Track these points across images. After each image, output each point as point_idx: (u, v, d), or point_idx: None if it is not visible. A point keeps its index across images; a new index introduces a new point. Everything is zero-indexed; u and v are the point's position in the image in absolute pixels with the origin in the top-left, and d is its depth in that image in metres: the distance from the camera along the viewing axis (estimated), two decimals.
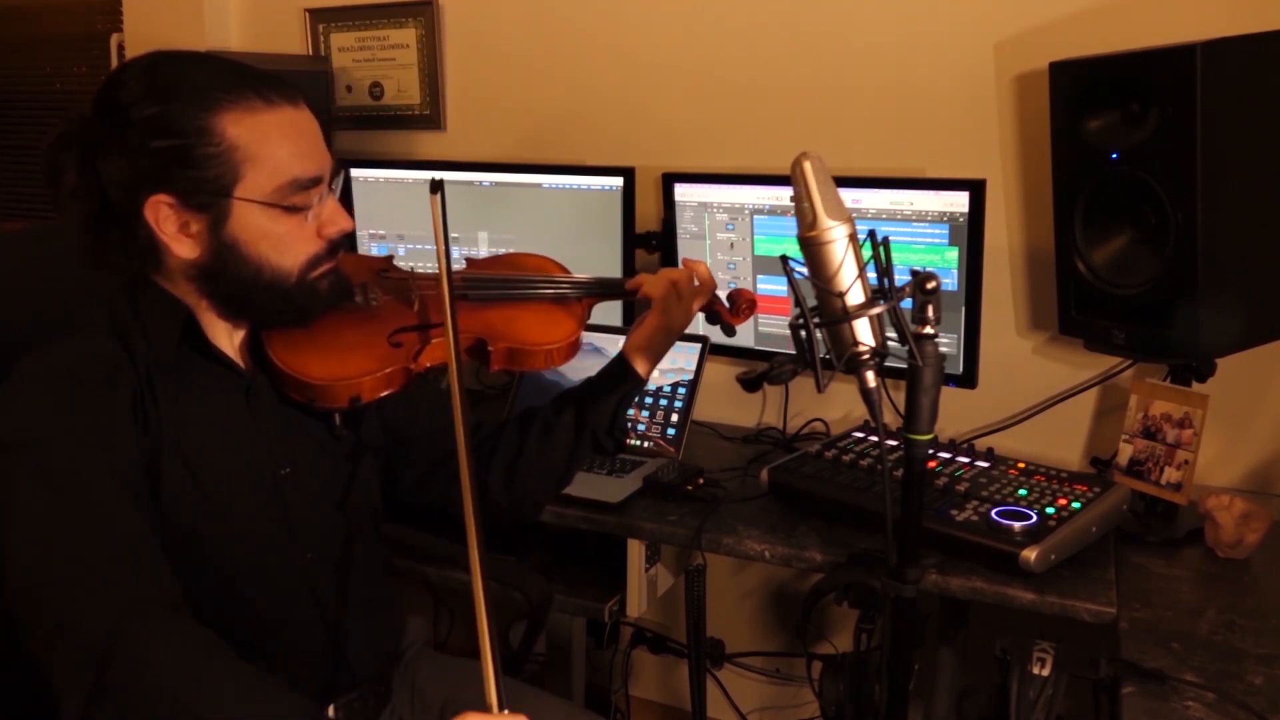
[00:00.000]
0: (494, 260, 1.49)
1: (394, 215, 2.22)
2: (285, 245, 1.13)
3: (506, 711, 0.96)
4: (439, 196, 1.25)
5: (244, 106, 1.09)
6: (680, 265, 1.42)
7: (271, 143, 1.10)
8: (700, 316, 1.43)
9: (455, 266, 1.38)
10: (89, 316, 1.14)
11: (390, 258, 1.43)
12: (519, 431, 1.40)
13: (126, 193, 1.08)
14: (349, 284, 1.23)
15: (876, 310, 1.07)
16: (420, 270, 1.37)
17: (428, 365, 1.26)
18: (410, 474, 1.40)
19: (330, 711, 1.26)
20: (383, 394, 1.23)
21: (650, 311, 1.38)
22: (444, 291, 1.20)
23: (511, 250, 2.13)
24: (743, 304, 1.43)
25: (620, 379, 1.38)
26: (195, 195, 1.08)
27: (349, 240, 1.23)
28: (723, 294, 1.45)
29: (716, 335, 1.52)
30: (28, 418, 1.04)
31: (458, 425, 1.07)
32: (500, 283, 1.38)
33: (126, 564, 0.99)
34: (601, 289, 1.41)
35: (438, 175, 1.34)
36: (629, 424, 1.88)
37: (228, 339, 1.20)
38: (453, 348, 1.17)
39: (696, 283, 1.38)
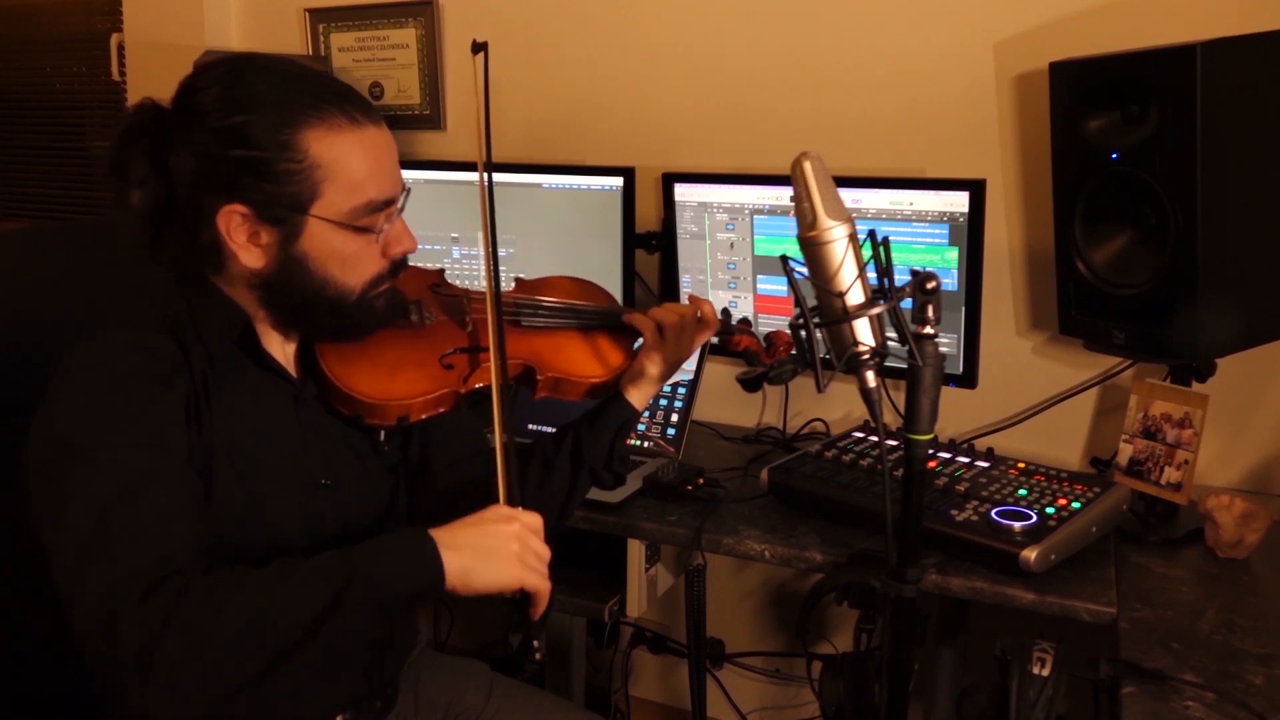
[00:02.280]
0: (544, 282, 1.46)
1: None
2: (352, 264, 1.13)
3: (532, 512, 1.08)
4: (483, 55, 1.21)
5: (328, 123, 1.08)
6: (686, 299, 1.41)
7: (353, 162, 1.09)
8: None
9: (504, 286, 1.37)
10: (137, 311, 1.13)
11: (442, 271, 1.41)
12: (520, 463, 1.38)
13: (196, 194, 1.07)
14: (405, 302, 1.23)
15: (876, 310, 1.07)
16: (474, 285, 1.35)
17: (476, 386, 1.26)
18: (426, 500, 1.37)
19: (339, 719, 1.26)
20: (431, 414, 1.23)
21: (651, 345, 1.36)
22: (489, 300, 1.20)
23: (514, 252, 2.13)
24: (780, 346, 1.41)
25: (616, 412, 1.36)
26: (270, 209, 1.07)
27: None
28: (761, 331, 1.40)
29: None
30: (86, 417, 1.02)
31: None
32: (551, 311, 1.37)
33: (175, 558, 0.98)
34: (620, 323, 1.39)
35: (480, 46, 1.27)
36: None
37: (280, 347, 1.19)
38: (495, 370, 1.18)
39: (699, 317, 1.37)
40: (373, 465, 1.27)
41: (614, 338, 1.38)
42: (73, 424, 1.02)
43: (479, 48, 1.22)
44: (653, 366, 1.35)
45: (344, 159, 1.08)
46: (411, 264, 1.25)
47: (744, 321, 1.46)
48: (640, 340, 1.37)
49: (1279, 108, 1.47)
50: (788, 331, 1.42)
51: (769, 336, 1.44)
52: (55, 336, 1.11)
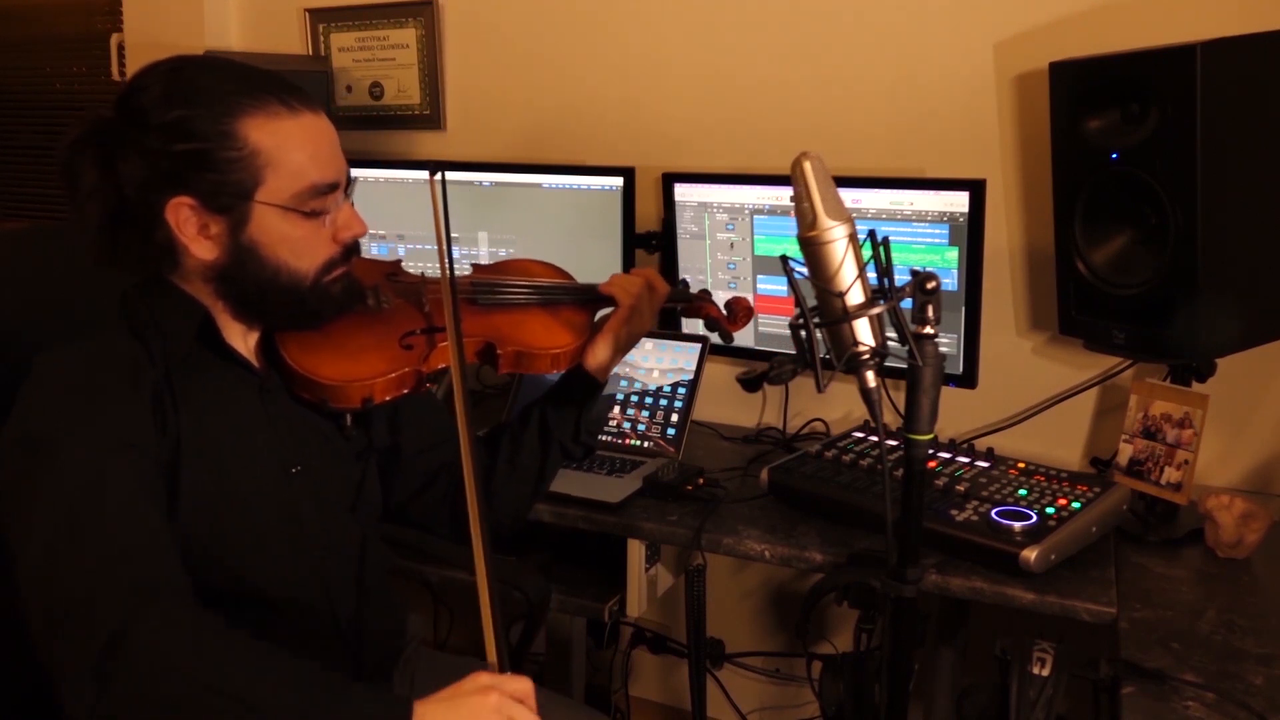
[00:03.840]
0: (498, 266, 1.51)
1: (394, 215, 2.22)
2: (302, 249, 1.15)
3: (509, 674, 1.02)
4: (440, 180, 1.26)
5: (267, 112, 1.10)
6: (633, 271, 1.43)
7: (292, 148, 1.11)
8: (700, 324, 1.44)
9: (461, 272, 1.40)
10: (103, 316, 1.15)
11: (399, 261, 1.44)
12: (489, 450, 1.41)
13: (146, 194, 1.09)
14: (361, 287, 1.25)
15: (876, 310, 1.07)
16: (429, 274, 1.38)
17: (438, 366, 1.28)
18: (398, 488, 1.39)
19: None
20: (394, 395, 1.24)
21: (611, 317, 1.38)
22: (445, 285, 1.22)
23: (513, 251, 2.14)
24: (740, 311, 1.45)
25: (579, 384, 1.38)
26: (216, 198, 1.09)
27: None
28: (721, 299, 1.46)
29: (716, 336, 1.53)
30: (52, 417, 1.05)
31: (458, 403, 1.11)
32: (505, 288, 1.40)
33: (141, 554, 0.99)
34: (584, 295, 1.42)
35: (438, 168, 1.36)
36: (633, 425, 1.89)
37: (242, 339, 1.21)
38: (455, 350, 1.19)
39: (651, 286, 1.40)
40: (342, 451, 1.29)
41: (573, 310, 1.41)
42: (38, 423, 1.05)
43: (436, 169, 1.29)
44: (613, 337, 1.37)
45: (284, 145, 1.11)
46: (370, 257, 1.27)
47: (704, 291, 1.49)
48: (601, 312, 1.39)
49: (1279, 108, 1.47)
50: (746, 298, 1.46)
51: (729, 303, 1.46)
52: (55, 337, 1.13)
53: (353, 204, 1.20)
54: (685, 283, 1.51)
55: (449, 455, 1.38)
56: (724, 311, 1.45)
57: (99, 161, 1.10)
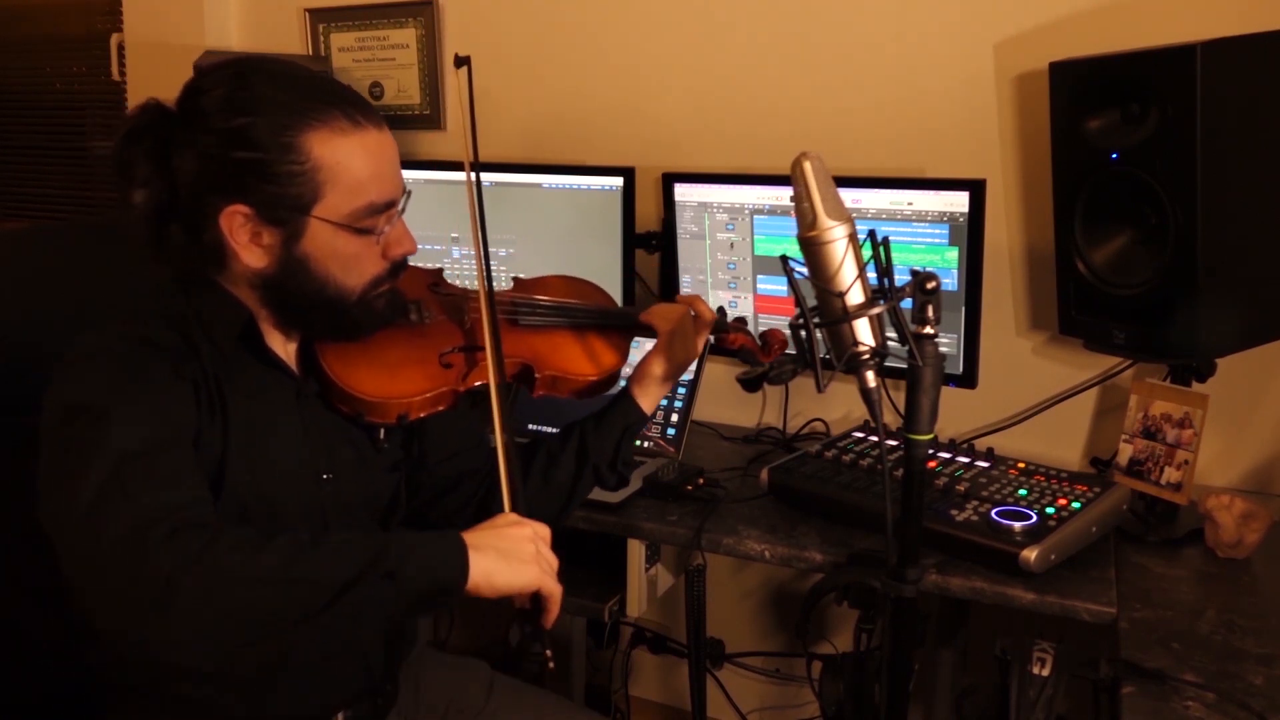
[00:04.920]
0: (541, 282, 1.48)
1: None
2: (353, 265, 1.14)
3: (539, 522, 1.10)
4: (466, 70, 1.25)
5: (331, 126, 1.09)
6: (677, 299, 1.42)
7: (354, 165, 1.10)
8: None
9: (501, 287, 1.39)
10: (137, 308, 1.13)
11: (440, 270, 1.43)
12: (524, 459, 1.39)
13: (200, 194, 1.08)
14: (405, 302, 1.24)
15: (876, 310, 1.07)
16: (466, 286, 1.37)
17: (475, 384, 1.27)
18: (420, 492, 1.38)
19: (340, 718, 1.26)
20: (430, 412, 1.24)
21: (655, 347, 1.38)
22: (483, 303, 1.22)
23: (513, 252, 2.13)
24: (775, 344, 1.43)
25: (624, 412, 1.38)
26: (273, 210, 1.09)
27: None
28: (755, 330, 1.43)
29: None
30: (98, 386, 1.03)
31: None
32: (549, 310, 1.38)
33: (193, 502, 1.00)
34: (624, 321, 1.41)
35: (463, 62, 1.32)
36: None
37: (282, 345, 1.20)
38: (493, 366, 1.20)
39: (694, 315, 1.39)
40: (373, 462, 1.28)
41: (611, 337, 1.40)
42: (85, 393, 1.03)
43: (461, 62, 1.26)
44: (659, 367, 1.37)
45: (346, 161, 1.10)
46: (411, 264, 1.26)
47: (740, 320, 1.47)
48: (637, 339, 1.38)
49: (1279, 108, 1.47)
50: (783, 330, 1.44)
51: (764, 335, 1.45)
52: (55, 337, 1.11)
53: (404, 221, 1.19)
54: (723, 310, 1.50)
55: (473, 462, 1.38)
56: (759, 343, 1.44)
57: (154, 154, 1.09)
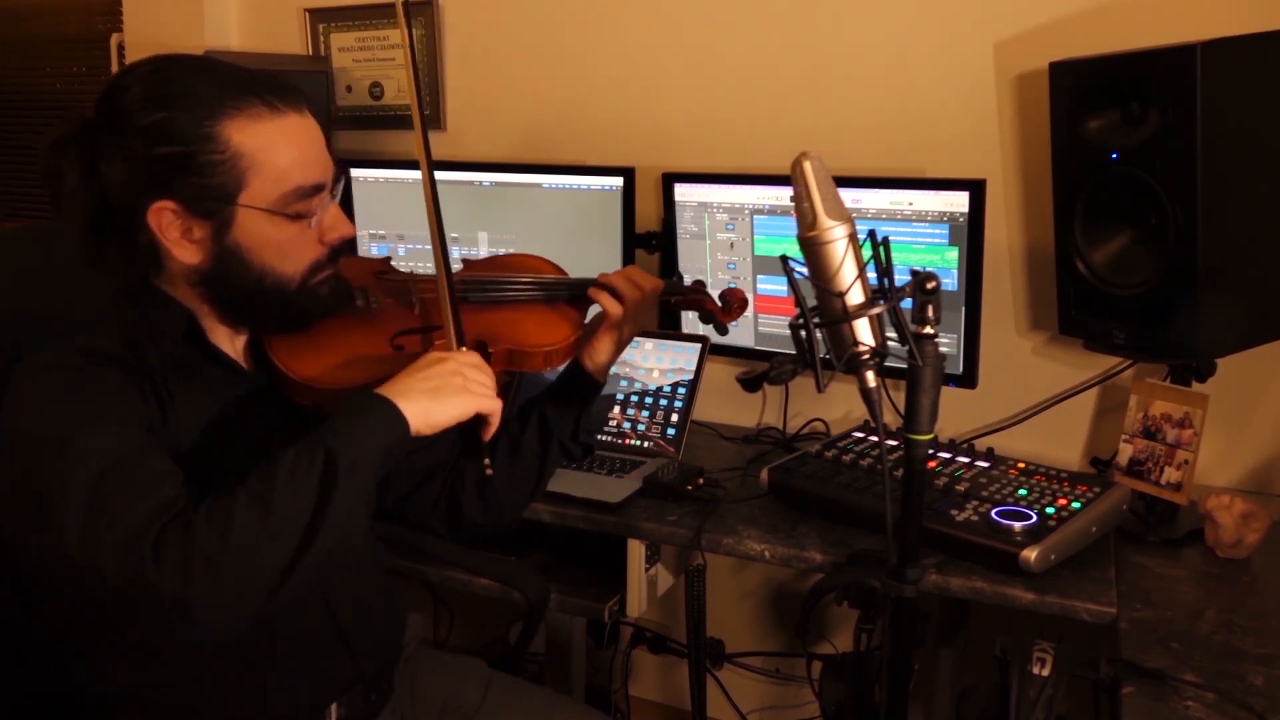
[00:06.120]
0: (490, 261, 1.49)
1: (394, 215, 2.22)
2: (288, 252, 1.13)
3: (465, 349, 1.17)
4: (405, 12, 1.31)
5: (249, 114, 1.09)
6: (622, 269, 1.42)
7: (276, 150, 1.10)
8: (693, 317, 1.43)
9: (453, 267, 1.38)
10: (92, 319, 1.14)
11: (388, 259, 1.44)
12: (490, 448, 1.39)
13: (128, 197, 1.08)
14: (349, 288, 1.23)
15: (876, 310, 1.07)
16: (419, 271, 1.37)
17: None
18: (392, 487, 1.38)
19: (333, 710, 1.26)
20: None
21: (605, 315, 1.37)
22: (439, 268, 1.23)
23: (510, 250, 2.13)
24: (735, 303, 1.44)
25: (578, 385, 1.37)
26: (199, 202, 1.08)
27: (349, 244, 1.24)
28: (715, 292, 1.45)
29: (716, 335, 1.52)
30: (52, 412, 1.04)
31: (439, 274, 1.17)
32: (498, 285, 1.38)
33: (170, 484, 1.02)
34: (576, 290, 1.41)
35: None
36: (633, 425, 1.89)
37: (229, 342, 1.20)
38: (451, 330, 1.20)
39: (638, 286, 1.38)
40: None
41: (565, 307, 1.39)
42: (40, 420, 1.04)
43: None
44: (611, 335, 1.37)
45: (267, 147, 1.10)
46: (358, 256, 1.26)
47: (698, 283, 1.48)
48: (595, 307, 1.38)
49: (1279, 108, 1.47)
50: (741, 289, 1.46)
51: (724, 294, 1.45)
52: (55, 336, 1.11)
53: (339, 205, 1.19)
54: (680, 277, 1.50)
55: (443, 454, 1.37)
56: (719, 304, 1.45)
57: (81, 163, 1.09)
